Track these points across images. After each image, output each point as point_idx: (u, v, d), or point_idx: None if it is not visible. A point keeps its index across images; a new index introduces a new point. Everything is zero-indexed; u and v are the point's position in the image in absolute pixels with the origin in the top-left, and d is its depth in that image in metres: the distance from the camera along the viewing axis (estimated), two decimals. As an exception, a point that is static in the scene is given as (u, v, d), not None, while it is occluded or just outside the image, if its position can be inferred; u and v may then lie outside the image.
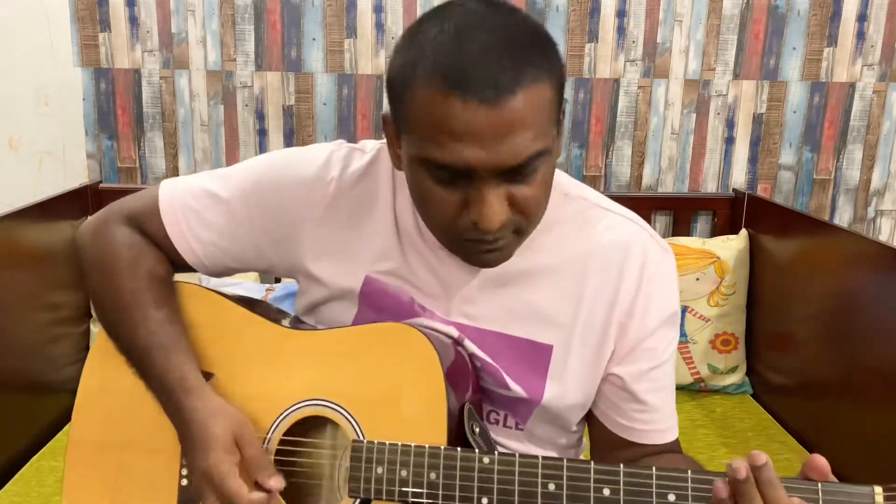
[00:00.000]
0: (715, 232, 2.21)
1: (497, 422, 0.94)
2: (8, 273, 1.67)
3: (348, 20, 2.09)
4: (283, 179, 0.90)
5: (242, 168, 0.94)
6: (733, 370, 2.05)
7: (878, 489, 0.67)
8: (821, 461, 0.67)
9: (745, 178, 2.24)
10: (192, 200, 0.92)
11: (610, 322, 0.88)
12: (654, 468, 0.71)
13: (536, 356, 0.89)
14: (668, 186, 2.24)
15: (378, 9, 2.09)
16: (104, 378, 0.95)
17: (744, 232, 2.09)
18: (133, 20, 2.07)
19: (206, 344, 0.91)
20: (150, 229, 0.93)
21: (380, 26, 2.10)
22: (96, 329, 1.99)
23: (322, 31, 2.10)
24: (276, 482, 0.80)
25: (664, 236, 2.18)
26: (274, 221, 0.90)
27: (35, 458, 1.66)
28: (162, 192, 0.93)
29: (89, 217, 0.98)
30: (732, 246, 2.04)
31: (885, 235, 2.29)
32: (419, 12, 2.09)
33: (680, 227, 2.20)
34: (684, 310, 2.02)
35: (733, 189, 2.22)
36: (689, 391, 2.05)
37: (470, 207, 0.75)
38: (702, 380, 2.04)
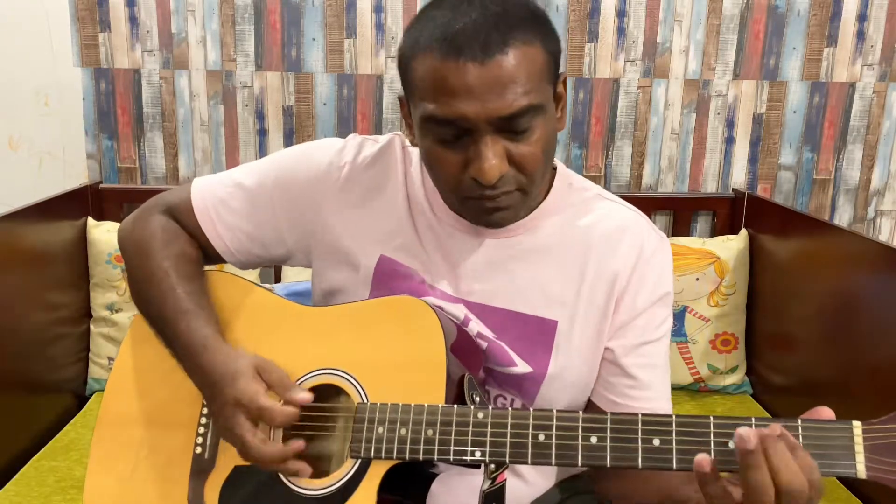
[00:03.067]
0: (715, 232, 2.21)
1: (504, 406, 0.96)
2: (8, 273, 1.67)
3: (348, 20, 2.09)
4: (301, 165, 0.99)
5: (267, 159, 1.03)
6: (733, 370, 2.05)
7: (857, 424, 0.69)
8: (826, 412, 0.70)
9: (745, 178, 2.24)
10: (220, 190, 1.01)
11: (610, 300, 0.93)
12: (639, 415, 0.75)
13: (541, 332, 0.93)
14: (668, 186, 2.24)
15: (378, 9, 2.09)
16: (135, 361, 1.01)
17: (744, 232, 2.09)
18: (133, 20, 2.07)
19: (227, 322, 0.97)
20: (183, 220, 1.02)
21: (380, 26, 2.10)
22: (96, 329, 1.99)
23: (322, 31, 2.10)
24: (304, 395, 0.84)
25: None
26: (292, 204, 0.98)
27: (35, 458, 1.66)
28: (194, 186, 1.02)
29: (127, 216, 1.07)
30: (732, 246, 2.04)
31: (885, 235, 2.29)
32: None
33: (680, 227, 2.21)
34: (684, 309, 2.02)
35: (733, 189, 2.23)
36: (689, 391, 2.05)
37: (471, 165, 0.81)
38: (702, 380, 2.04)
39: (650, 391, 0.94)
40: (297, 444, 0.84)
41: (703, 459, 0.67)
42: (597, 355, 0.94)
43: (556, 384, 0.93)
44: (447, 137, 0.82)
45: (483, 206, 0.85)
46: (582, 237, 0.94)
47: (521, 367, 0.93)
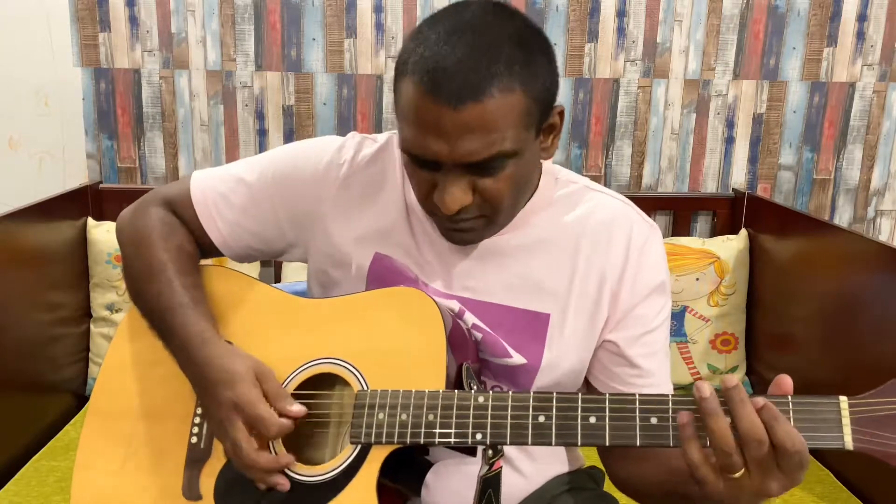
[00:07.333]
0: (715, 232, 2.21)
1: None
2: (8, 273, 1.68)
3: (348, 20, 2.09)
4: (301, 162, 1.00)
5: (267, 154, 1.04)
6: (733, 370, 2.05)
7: (843, 398, 0.72)
8: (786, 381, 0.74)
9: (745, 178, 2.24)
10: (220, 184, 1.01)
11: (602, 292, 0.94)
12: (637, 395, 0.76)
13: (535, 325, 0.94)
14: (668, 186, 2.24)
15: (378, 9, 2.09)
16: (126, 355, 1.01)
17: (744, 232, 2.09)
18: (133, 20, 2.07)
19: (226, 315, 0.97)
20: (182, 213, 1.02)
21: (380, 26, 2.10)
22: (96, 329, 1.99)
23: (322, 31, 2.10)
24: (299, 408, 0.85)
25: (664, 236, 2.18)
26: (292, 200, 0.99)
27: (35, 458, 1.66)
28: (193, 179, 1.03)
29: (126, 207, 1.07)
30: (732, 246, 2.04)
31: (885, 235, 2.29)
32: (419, 12, 2.09)
33: (680, 227, 2.21)
34: (684, 309, 2.02)
35: (733, 189, 2.23)
36: (689, 391, 2.05)
37: (436, 191, 0.84)
38: (702, 380, 2.04)
39: (652, 378, 0.96)
40: (289, 458, 0.85)
41: (684, 415, 0.72)
42: (589, 345, 0.96)
43: (549, 375, 0.95)
44: (419, 161, 0.84)
45: (446, 226, 0.88)
46: (572, 230, 0.95)
47: (516, 358, 0.94)
